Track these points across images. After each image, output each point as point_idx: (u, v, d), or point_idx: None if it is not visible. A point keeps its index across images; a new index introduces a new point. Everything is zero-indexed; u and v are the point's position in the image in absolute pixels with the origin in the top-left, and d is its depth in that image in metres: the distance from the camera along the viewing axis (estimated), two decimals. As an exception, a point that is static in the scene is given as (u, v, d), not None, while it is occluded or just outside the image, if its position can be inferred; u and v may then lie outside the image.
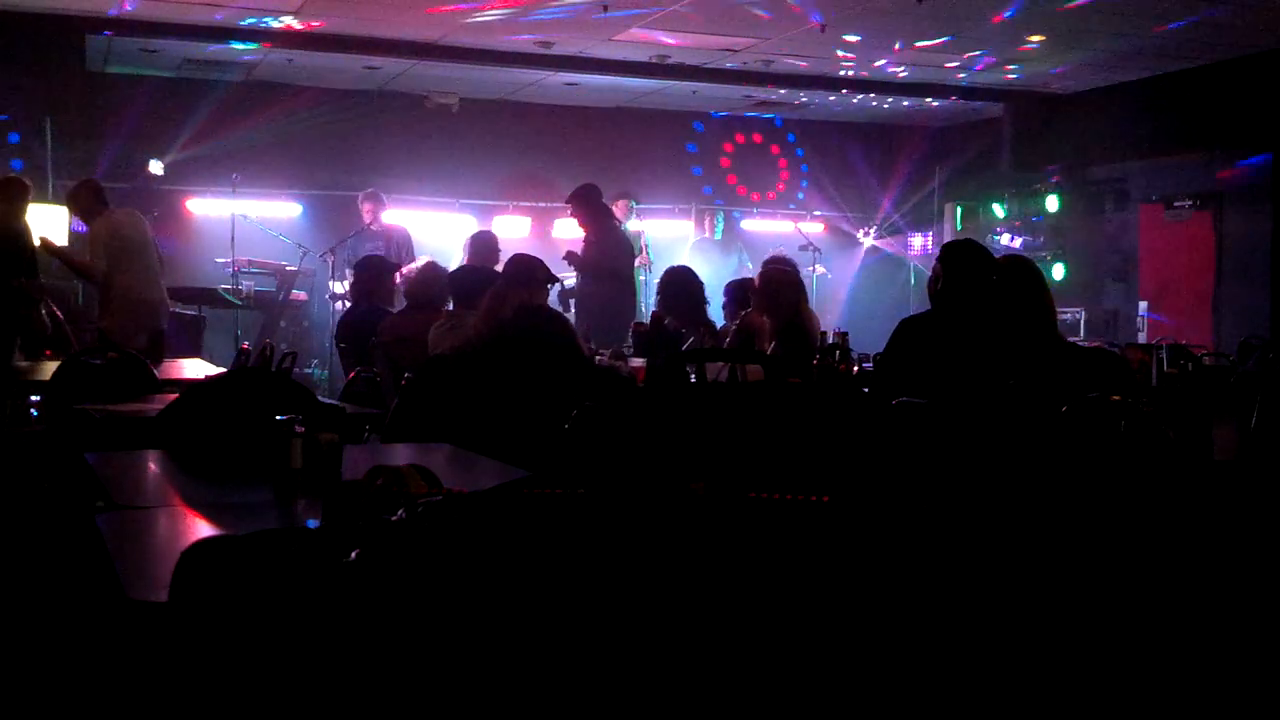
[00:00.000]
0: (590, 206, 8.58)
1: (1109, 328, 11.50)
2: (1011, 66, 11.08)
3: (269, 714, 1.50)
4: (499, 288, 5.40)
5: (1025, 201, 12.56)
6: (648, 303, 10.12)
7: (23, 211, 7.81)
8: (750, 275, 8.28)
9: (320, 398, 4.90)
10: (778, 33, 9.86)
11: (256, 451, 2.81)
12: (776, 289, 6.55)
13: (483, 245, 8.17)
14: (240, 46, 10.31)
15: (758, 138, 13.49)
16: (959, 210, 12.98)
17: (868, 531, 1.55)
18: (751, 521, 1.45)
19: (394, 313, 6.89)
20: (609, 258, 8.50)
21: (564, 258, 8.45)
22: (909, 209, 13.68)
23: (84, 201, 8.06)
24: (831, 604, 1.48)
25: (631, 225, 11.24)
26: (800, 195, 13.53)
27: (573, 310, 8.57)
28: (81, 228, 8.57)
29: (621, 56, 10.79)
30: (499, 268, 6.64)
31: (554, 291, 8.30)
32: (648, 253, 11.64)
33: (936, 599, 2.02)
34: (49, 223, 9.36)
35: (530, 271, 5.59)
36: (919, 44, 10.19)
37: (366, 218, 10.47)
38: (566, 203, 8.85)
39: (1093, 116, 12.04)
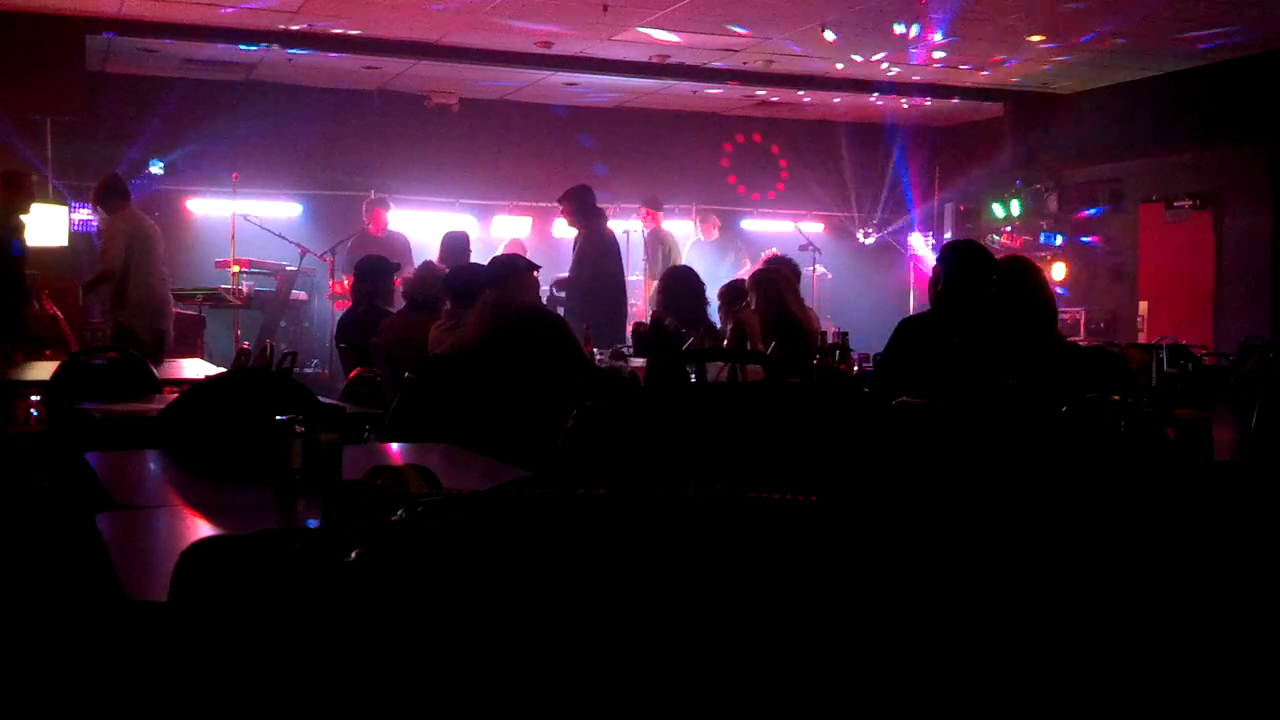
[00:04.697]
0: (581, 206, 8.65)
1: (1109, 328, 11.50)
2: (1011, 67, 11.08)
3: (269, 714, 1.50)
4: (489, 296, 5.35)
5: (1025, 201, 12.57)
6: None
7: (22, 205, 7.82)
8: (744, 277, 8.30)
9: (320, 397, 4.89)
10: (778, 32, 9.85)
11: (256, 451, 2.80)
12: (760, 285, 6.62)
13: (451, 246, 8.03)
14: (240, 47, 10.31)
15: (757, 138, 13.48)
16: (959, 210, 12.98)
17: (868, 532, 1.55)
18: (751, 522, 1.45)
19: (393, 313, 6.88)
20: (596, 256, 8.57)
21: (553, 284, 8.52)
22: (909, 209, 13.67)
23: (106, 195, 8.16)
24: (831, 605, 1.48)
25: (665, 226, 11.33)
26: (800, 195, 13.52)
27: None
28: (88, 226, 8.60)
29: (621, 56, 10.78)
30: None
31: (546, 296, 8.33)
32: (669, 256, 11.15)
33: (937, 599, 2.03)
34: (49, 222, 9.37)
35: (512, 268, 5.58)
36: (919, 44, 10.19)
37: (371, 226, 10.41)
38: (558, 201, 8.92)
39: (1093, 116, 12.04)
